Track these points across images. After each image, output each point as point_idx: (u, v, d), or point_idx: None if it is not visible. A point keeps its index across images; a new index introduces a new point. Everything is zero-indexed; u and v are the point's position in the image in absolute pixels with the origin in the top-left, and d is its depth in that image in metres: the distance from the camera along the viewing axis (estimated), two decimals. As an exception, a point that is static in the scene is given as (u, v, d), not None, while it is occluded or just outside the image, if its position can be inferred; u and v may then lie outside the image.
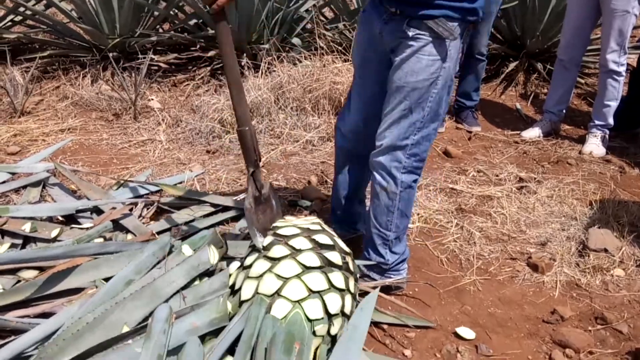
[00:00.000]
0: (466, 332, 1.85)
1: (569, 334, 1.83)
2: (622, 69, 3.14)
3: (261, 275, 1.64)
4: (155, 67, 4.00)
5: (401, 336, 1.84)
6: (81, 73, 3.79)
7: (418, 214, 2.50)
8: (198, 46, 4.09)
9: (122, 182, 2.61)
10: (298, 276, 1.63)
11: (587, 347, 1.80)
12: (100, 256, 1.91)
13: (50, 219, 2.26)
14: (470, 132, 3.51)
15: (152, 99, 3.70)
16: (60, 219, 2.30)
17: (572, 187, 2.77)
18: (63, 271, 1.82)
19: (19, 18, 4.32)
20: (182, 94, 3.83)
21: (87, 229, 2.17)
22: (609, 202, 2.56)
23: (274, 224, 1.81)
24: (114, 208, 2.29)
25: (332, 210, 2.27)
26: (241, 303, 1.65)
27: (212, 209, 2.44)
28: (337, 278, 1.66)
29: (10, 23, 4.32)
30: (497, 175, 2.93)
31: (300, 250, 1.67)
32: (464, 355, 1.77)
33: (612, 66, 3.10)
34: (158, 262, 1.83)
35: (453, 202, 2.65)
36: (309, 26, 4.15)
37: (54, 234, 2.11)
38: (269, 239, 1.73)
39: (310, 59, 3.69)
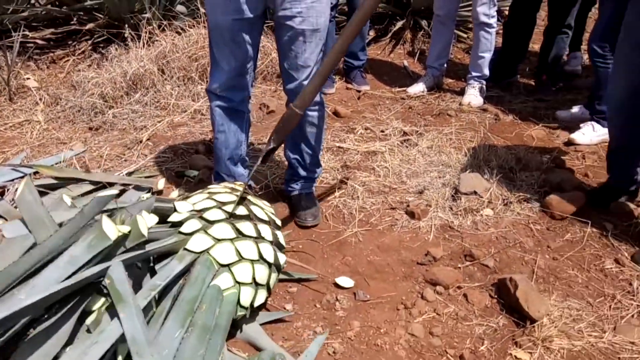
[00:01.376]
0: (345, 281, 1.92)
1: (439, 272, 1.95)
2: (493, 21, 3.30)
3: (220, 240, 1.66)
4: (31, 44, 3.77)
5: (283, 292, 1.89)
6: (-55, 54, 3.51)
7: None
8: (76, 19, 3.89)
9: (-6, 166, 2.47)
10: (252, 262, 1.67)
11: (456, 283, 1.93)
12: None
13: None
14: (359, 91, 3.58)
15: (29, 78, 3.50)
16: None
17: (450, 137, 2.92)
18: None
19: None
20: (62, 71, 3.64)
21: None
22: (481, 148, 2.72)
23: (249, 198, 1.88)
24: (-19, 194, 2.17)
25: (217, 175, 2.27)
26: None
27: (92, 187, 2.36)
28: (273, 278, 1.75)
29: None
30: (382, 131, 3.02)
31: (263, 239, 1.73)
32: (342, 303, 1.84)
33: (483, 18, 3.25)
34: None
35: (339, 160, 2.71)
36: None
37: None
38: (242, 210, 1.78)
39: (195, 27, 3.61)
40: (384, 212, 2.33)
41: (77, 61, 3.70)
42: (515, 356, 1.66)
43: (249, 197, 1.88)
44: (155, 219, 1.71)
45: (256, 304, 1.66)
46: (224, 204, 1.79)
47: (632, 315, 1.81)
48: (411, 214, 2.29)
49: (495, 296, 1.89)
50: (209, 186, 2.00)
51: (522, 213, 2.32)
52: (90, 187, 2.36)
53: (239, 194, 1.82)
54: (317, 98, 2.06)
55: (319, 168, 2.33)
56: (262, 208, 1.87)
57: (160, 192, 2.43)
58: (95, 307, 1.49)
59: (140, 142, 2.86)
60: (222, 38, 1.96)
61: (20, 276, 1.48)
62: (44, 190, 2.31)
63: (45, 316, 1.43)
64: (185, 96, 3.26)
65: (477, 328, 1.76)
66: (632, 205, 2.32)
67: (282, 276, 1.92)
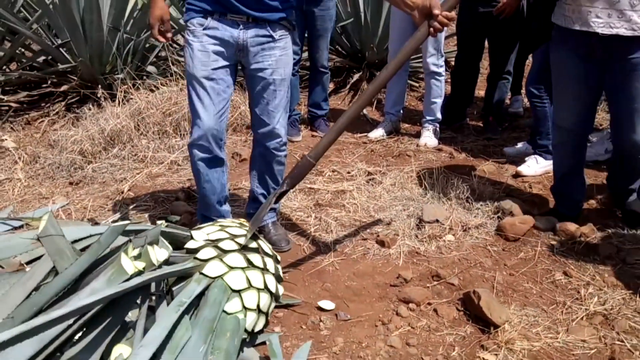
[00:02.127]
0: (327, 304, 2.11)
1: (411, 291, 2.16)
2: (442, 70, 3.66)
3: (233, 268, 1.82)
4: (6, 107, 3.91)
5: (271, 317, 2.05)
6: None
7: (281, 213, 2.74)
8: (49, 82, 4.07)
9: (-19, 221, 2.58)
10: (258, 290, 1.84)
11: (426, 300, 2.14)
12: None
13: None
14: (324, 138, 3.84)
15: (6, 139, 3.63)
16: None
17: (411, 175, 3.19)
18: None
19: None
20: (38, 131, 3.79)
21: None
22: (439, 182, 2.99)
23: (257, 233, 2.07)
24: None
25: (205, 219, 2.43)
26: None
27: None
28: (272, 307, 1.93)
29: None
30: (349, 172, 3.27)
31: (268, 270, 1.92)
32: (325, 323, 2.02)
33: (433, 68, 3.60)
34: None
35: (311, 199, 2.93)
36: (163, 54, 4.29)
37: None
38: (253, 243, 1.97)
39: (167, 85, 3.84)
40: (356, 243, 2.54)
41: (52, 121, 3.86)
42: (483, 358, 1.86)
43: (256, 233, 2.07)
44: (166, 254, 1.87)
45: (256, 330, 1.82)
46: (236, 236, 1.97)
47: (582, 318, 2.05)
48: (381, 243, 2.51)
49: (462, 309, 2.10)
50: (219, 220, 2.18)
51: (480, 237, 2.57)
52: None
53: (247, 229, 2.01)
54: (284, 139, 2.36)
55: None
56: (267, 243, 2.08)
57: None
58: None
59: (122, 192, 3.02)
60: (202, 88, 2.17)
61: (44, 304, 1.61)
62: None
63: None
64: (161, 149, 3.45)
65: (448, 337, 1.96)
66: (574, 226, 2.60)
67: (268, 303, 2.09)
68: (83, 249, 2.22)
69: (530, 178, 3.16)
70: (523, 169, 3.20)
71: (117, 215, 2.78)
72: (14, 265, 2.15)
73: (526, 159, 3.28)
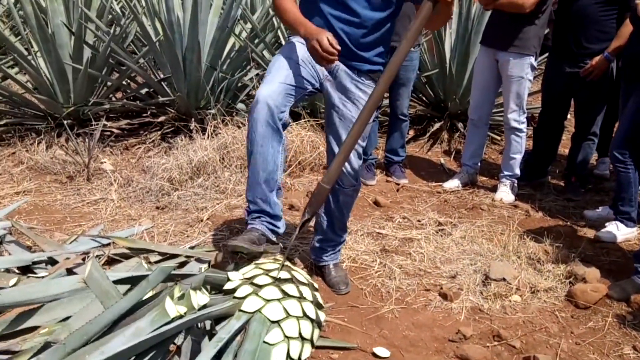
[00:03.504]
0: (382, 352, 2.13)
1: (469, 349, 2.14)
2: (523, 126, 3.63)
3: (270, 300, 1.94)
4: (108, 133, 4.28)
5: (326, 357, 2.11)
6: (36, 139, 4.03)
7: (346, 255, 2.81)
8: (149, 112, 4.41)
9: (75, 237, 2.83)
10: (298, 318, 1.95)
11: (484, 359, 2.11)
12: (54, 301, 2.12)
13: (7, 271, 2.45)
14: (398, 184, 3.90)
15: (105, 162, 3.96)
16: (17, 271, 2.49)
17: (482, 229, 3.16)
18: (21, 314, 2.03)
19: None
20: (134, 157, 4.10)
21: (43, 277, 2.38)
22: (511, 239, 2.94)
23: (289, 265, 2.20)
24: (67, 258, 2.51)
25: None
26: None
27: (160, 257, 2.68)
28: (315, 333, 2.01)
29: (-33, 94, 4.53)
30: (419, 221, 3.29)
31: (305, 298, 2.02)
32: (379, 370, 2.05)
33: (514, 124, 3.58)
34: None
35: (378, 244, 2.98)
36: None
37: (11, 282, 2.31)
38: (285, 274, 2.07)
39: (253, 122, 4.05)
40: (419, 293, 2.55)
41: (147, 148, 4.17)
42: None
43: (288, 264, 2.17)
44: (206, 299, 1.99)
45: (303, 357, 1.89)
46: (270, 270, 2.08)
47: (650, 398, 1.94)
48: (444, 296, 2.50)
49: (520, 373, 2.06)
50: (255, 260, 2.31)
51: (548, 301, 2.50)
52: (159, 257, 2.69)
53: (281, 261, 2.11)
54: (355, 181, 2.45)
55: (345, 233, 2.64)
56: (300, 273, 2.16)
57: (217, 266, 2.72)
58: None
59: (201, 221, 3.21)
60: (281, 66, 2.16)
61: (93, 335, 1.77)
62: (119, 259, 2.65)
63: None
64: (241, 182, 3.63)
65: (503, 400, 1.93)
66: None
67: (325, 343, 2.14)
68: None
69: (609, 245, 3.04)
70: (602, 234, 3.08)
71: (194, 242, 2.95)
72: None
73: (606, 224, 3.16)
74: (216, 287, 2.13)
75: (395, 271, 2.70)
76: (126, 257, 2.67)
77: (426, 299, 2.51)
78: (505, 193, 3.64)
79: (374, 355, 2.13)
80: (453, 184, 3.84)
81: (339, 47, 2.01)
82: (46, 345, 1.73)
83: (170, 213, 3.32)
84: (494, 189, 3.79)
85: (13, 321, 2.01)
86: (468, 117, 3.87)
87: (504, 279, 2.56)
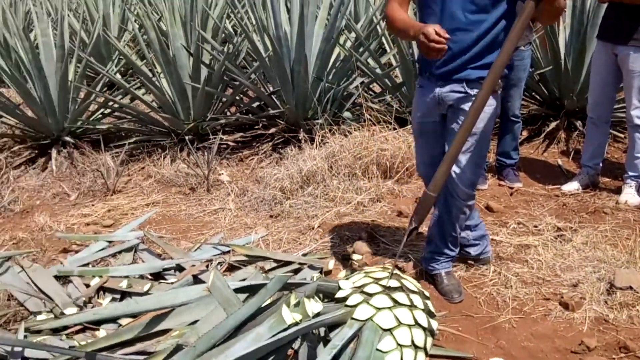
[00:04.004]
0: (499, 362, 2.08)
1: (594, 362, 2.03)
2: (647, 123, 3.36)
3: (381, 309, 1.99)
4: (224, 146, 4.54)
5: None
6: (162, 154, 4.37)
7: (459, 262, 2.76)
8: (260, 125, 4.63)
9: (199, 245, 3.05)
10: (409, 326, 1.98)
11: (611, 373, 1.99)
12: (183, 306, 2.31)
13: (142, 277, 2.69)
14: (512, 188, 3.76)
15: (222, 174, 4.20)
16: (150, 277, 2.73)
17: (606, 234, 2.97)
18: (155, 317, 2.23)
19: (108, 111, 5.01)
20: (248, 168, 4.32)
21: (172, 283, 2.58)
22: (638, 245, 2.74)
23: (398, 273, 2.23)
24: (193, 265, 2.70)
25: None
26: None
27: (275, 264, 2.81)
28: (429, 342, 2.02)
29: (101, 115, 5.02)
30: (535, 226, 3.16)
31: (416, 307, 2.05)
32: (496, 381, 2.00)
33: (637, 121, 3.33)
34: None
35: (492, 251, 2.89)
36: (358, 101, 4.61)
37: (145, 288, 2.54)
38: (395, 282, 2.11)
39: (360, 130, 4.12)
40: (537, 302, 2.45)
41: (260, 159, 4.37)
42: None
43: (398, 272, 2.18)
44: (320, 307, 2.05)
45: None
46: (380, 279, 2.11)
47: None
48: (565, 305, 2.38)
49: (654, 390, 1.92)
50: (365, 268, 2.35)
51: (684, 312, 2.31)
52: (274, 264, 2.82)
53: (390, 270, 2.13)
54: (470, 191, 2.41)
55: (457, 247, 2.60)
56: (410, 281, 2.16)
57: (329, 272, 2.80)
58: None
59: (312, 228, 3.31)
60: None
61: (219, 339, 1.89)
62: (238, 266, 2.81)
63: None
64: (350, 190, 3.70)
65: (634, 419, 1.81)
66: None
67: (439, 352, 2.13)
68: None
69: None
70: None
71: (307, 249, 3.06)
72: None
73: None
74: (328, 296, 2.20)
75: (511, 279, 2.61)
76: (244, 264, 2.83)
77: (546, 308, 2.41)
78: (630, 195, 3.39)
79: (491, 366, 2.09)
80: (572, 186, 3.64)
81: (447, 35, 1.99)
82: (178, 348, 1.89)
83: (283, 221, 3.46)
84: (617, 191, 3.54)
85: (148, 324, 2.21)
86: (587, 114, 3.65)
87: (631, 288, 2.39)
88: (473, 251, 2.69)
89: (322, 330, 2.06)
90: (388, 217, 3.43)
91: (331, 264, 2.84)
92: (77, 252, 3.00)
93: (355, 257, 2.95)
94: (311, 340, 2.01)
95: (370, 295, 2.03)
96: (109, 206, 3.72)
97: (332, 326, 2.06)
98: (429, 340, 1.99)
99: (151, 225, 3.47)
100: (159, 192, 3.97)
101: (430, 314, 2.06)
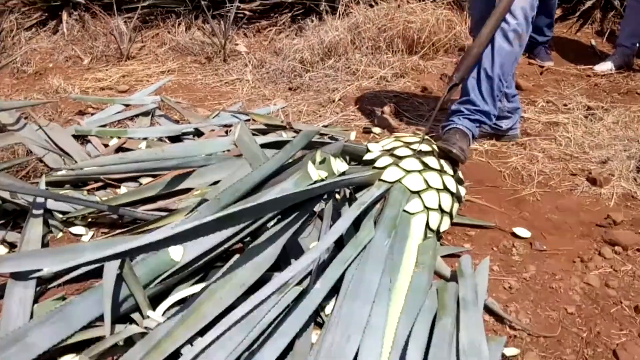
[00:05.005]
0: (523, 232, 2.06)
1: (619, 234, 2.00)
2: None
3: (410, 171, 1.95)
4: (241, 15, 4.31)
5: (462, 234, 2.08)
6: (176, 21, 4.18)
7: (484, 139, 2.69)
8: (279, -8, 4.37)
9: (217, 112, 2.97)
10: (438, 190, 1.93)
11: (635, 245, 1.97)
12: (204, 167, 2.27)
13: (160, 140, 2.64)
14: (542, 66, 3.59)
15: (239, 44, 4.03)
16: (167, 141, 2.69)
17: (638, 114, 2.85)
18: (176, 177, 2.20)
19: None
20: (266, 39, 4.13)
21: (192, 146, 2.53)
22: (674, 124, 2.64)
23: (428, 139, 2.15)
24: (212, 130, 2.64)
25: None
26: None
27: (295, 134, 2.74)
28: (455, 207, 1.99)
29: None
30: (565, 105, 3.04)
31: (445, 172, 2.00)
32: (519, 249, 1.99)
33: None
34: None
35: (520, 128, 2.80)
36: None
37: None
38: (426, 147, 2.05)
39: (387, 0, 3.88)
40: (563, 177, 2.40)
41: (278, 30, 4.17)
42: (695, 316, 1.69)
43: (429, 138, 2.11)
44: (345, 166, 2.00)
45: (442, 229, 1.88)
46: (410, 143, 2.05)
47: None
48: (592, 181, 2.33)
49: (678, 262, 1.91)
50: (394, 133, 2.27)
51: None
52: (294, 134, 2.75)
53: (421, 135, 2.06)
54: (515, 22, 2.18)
55: (493, 104, 2.28)
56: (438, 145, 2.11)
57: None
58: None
59: (333, 101, 3.21)
60: None
61: (243, 192, 1.86)
62: (256, 134, 2.74)
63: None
64: (373, 64, 3.55)
65: (656, 287, 1.81)
66: None
67: (462, 220, 2.12)
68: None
69: None
70: None
71: (327, 122, 2.98)
72: (236, 151, 2.47)
73: None
74: (355, 158, 2.15)
75: (537, 155, 2.55)
76: (264, 132, 2.76)
77: (572, 183, 2.36)
78: (668, 76, 3.23)
79: (513, 234, 2.07)
80: (606, 66, 3.46)
81: None
82: (202, 202, 1.87)
83: (303, 94, 3.35)
84: (654, 73, 3.38)
85: (169, 183, 2.19)
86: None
87: (664, 166, 2.33)
88: (504, 124, 2.59)
89: (347, 192, 2.03)
90: (412, 93, 3.31)
91: (353, 135, 2.77)
92: (93, 114, 2.94)
93: (377, 130, 2.88)
94: (336, 202, 1.98)
95: (400, 158, 1.98)
96: (123, 72, 3.61)
97: (358, 188, 2.03)
98: (456, 206, 1.96)
99: (167, 92, 3.37)
100: (174, 60, 3.83)
101: (459, 181, 2.02)
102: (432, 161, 1.97)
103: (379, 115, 3.01)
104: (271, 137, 2.68)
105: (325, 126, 2.93)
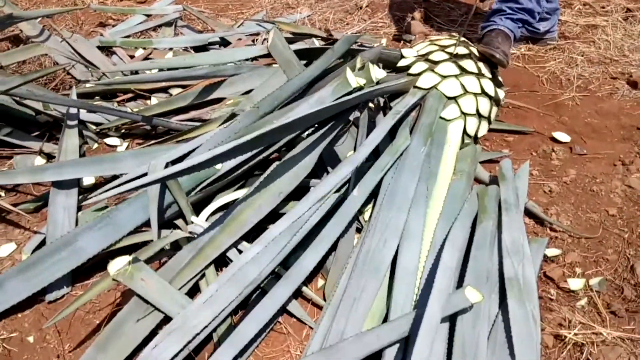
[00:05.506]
0: (562, 136, 2.03)
1: (662, 137, 1.96)
2: None
3: (446, 76, 1.88)
4: None
5: (500, 140, 2.05)
6: None
7: (521, 43, 2.58)
8: None
9: (241, 21, 2.88)
10: (475, 95, 1.87)
11: (680, 149, 1.93)
12: (235, 76, 2.22)
13: (186, 50, 2.58)
14: (579, -33, 3.39)
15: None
16: (193, 52, 2.62)
17: (685, 14, 2.71)
18: (206, 87, 2.16)
19: None
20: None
21: (220, 56, 2.47)
22: None
23: (465, 40, 2.06)
24: (239, 39, 2.57)
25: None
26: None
27: (323, 42, 2.66)
28: (493, 111, 1.91)
29: None
30: (603, 7, 2.90)
31: (484, 75, 1.92)
32: (558, 154, 1.96)
33: None
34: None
35: (557, 30, 2.69)
36: None
37: (192, 60, 2.44)
38: (463, 49, 1.95)
39: None
40: (603, 81, 2.33)
41: None
42: None
43: (466, 40, 2.03)
44: (383, 73, 1.94)
45: (480, 134, 1.85)
46: (446, 47, 1.97)
47: None
48: (633, 84, 2.26)
49: None
50: (429, 37, 2.18)
51: None
52: (322, 42, 2.67)
53: (457, 37, 1.98)
54: None
55: (540, 5, 2.24)
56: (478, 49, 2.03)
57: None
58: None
59: (360, 8, 3.08)
60: None
61: (283, 100, 1.82)
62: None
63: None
64: (400, -32, 3.37)
65: (700, 189, 1.79)
66: None
67: (500, 127, 2.08)
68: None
69: None
70: None
71: (355, 29, 2.88)
72: (269, 59, 2.41)
73: None
74: (389, 65, 2.09)
75: (576, 59, 2.46)
76: (290, 41, 2.68)
77: (612, 87, 2.29)
78: None
79: (553, 139, 2.03)
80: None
81: None
82: (233, 115, 1.84)
83: (328, 1, 3.22)
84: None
85: (200, 93, 2.16)
86: None
87: None
88: (542, 27, 2.48)
89: (381, 101, 1.99)
90: (442, -3, 3.17)
91: (384, 43, 2.68)
92: (114, 25, 2.86)
93: (408, 37, 2.78)
94: (371, 112, 1.95)
95: (436, 63, 1.91)
96: (139, -18, 3.48)
97: (392, 96, 1.98)
98: (494, 109, 1.92)
99: (188, 2, 3.26)
100: (192, -31, 3.68)
101: (497, 84, 1.96)
102: (469, 64, 1.90)
103: (409, 22, 2.89)
104: (301, 45, 2.61)
105: (354, 34, 2.83)
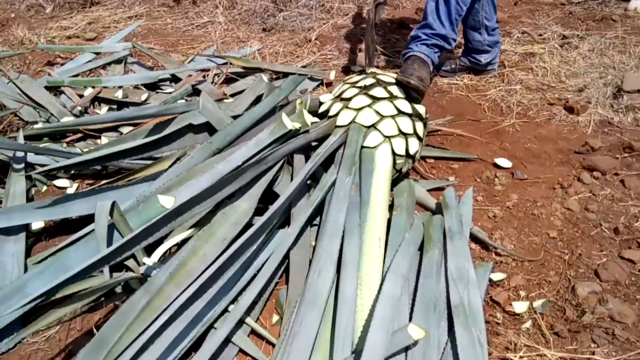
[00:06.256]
0: (504, 162, 2.11)
1: (597, 160, 2.06)
2: None
3: (360, 109, 1.93)
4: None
5: (445, 168, 2.13)
6: (140, -37, 4.00)
7: (464, 74, 2.69)
8: None
9: (192, 57, 2.90)
10: (393, 117, 1.91)
11: (613, 170, 2.03)
12: (186, 113, 2.24)
13: (136, 88, 2.59)
14: (516, -3, 3.57)
15: (207, -15, 3.90)
16: (144, 89, 2.63)
17: (614, 41, 2.88)
18: (157, 124, 2.17)
19: None
20: (235, -22, 3.99)
21: (170, 93, 2.49)
22: (648, 50, 2.68)
23: (373, 71, 2.09)
24: (190, 75, 2.59)
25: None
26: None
27: (274, 76, 2.71)
28: (419, 127, 1.95)
29: None
30: (540, 35, 3.05)
31: (396, 97, 1.95)
32: (501, 179, 2.04)
33: None
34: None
35: (497, 62, 2.81)
36: None
37: (143, 97, 2.45)
38: (370, 80, 2.00)
39: None
40: (541, 107, 2.44)
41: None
42: (669, 234, 1.77)
43: (374, 71, 2.10)
44: (313, 119, 1.99)
45: (412, 151, 1.89)
46: (356, 82, 2.03)
47: None
48: (570, 109, 2.38)
49: (653, 184, 1.98)
50: (344, 78, 2.25)
51: (687, 114, 2.31)
52: (273, 76, 2.72)
53: (366, 72, 2.05)
54: None
55: (451, 29, 2.30)
56: (387, 75, 2.08)
57: (330, 83, 2.72)
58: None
59: (310, 41, 3.16)
60: None
61: (235, 136, 1.85)
62: (235, 77, 2.70)
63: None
64: (347, 0, 3.48)
65: (633, 208, 1.88)
66: None
67: (445, 154, 2.15)
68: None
69: None
70: None
71: (305, 61, 2.94)
72: (219, 95, 2.45)
73: None
74: (311, 113, 2.13)
75: (515, 86, 2.57)
76: (242, 75, 2.72)
77: (550, 112, 2.40)
78: (641, 2, 3.25)
79: (495, 165, 2.12)
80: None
81: None
82: (185, 154, 1.85)
83: (278, 34, 3.29)
84: (627, -1, 3.39)
85: (151, 131, 2.16)
86: None
87: (639, 91, 2.37)
88: (483, 59, 2.59)
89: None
90: (388, 29, 3.28)
91: (332, 74, 2.75)
92: (62, 64, 2.85)
93: (356, 68, 2.85)
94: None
95: (349, 99, 1.97)
96: (89, 18, 3.48)
97: (323, 140, 2.02)
98: (419, 124, 1.96)
99: (137, 38, 3.28)
100: (141, 4, 3.70)
101: (412, 100, 2.00)
102: (379, 91, 1.95)
103: (357, 54, 2.98)
104: (249, 80, 2.65)
105: (304, 66, 2.90)
